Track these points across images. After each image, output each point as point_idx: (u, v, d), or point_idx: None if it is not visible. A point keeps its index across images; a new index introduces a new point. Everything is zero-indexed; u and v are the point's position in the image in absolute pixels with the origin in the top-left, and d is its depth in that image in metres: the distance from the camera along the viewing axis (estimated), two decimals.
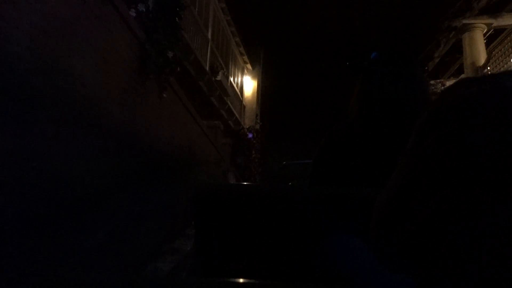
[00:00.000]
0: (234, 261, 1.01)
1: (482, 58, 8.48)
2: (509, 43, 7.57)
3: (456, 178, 0.44)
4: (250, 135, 13.79)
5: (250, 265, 1.00)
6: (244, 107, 14.55)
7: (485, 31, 8.98)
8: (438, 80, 8.14)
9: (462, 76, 8.02)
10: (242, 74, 14.47)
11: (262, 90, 15.96)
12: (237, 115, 13.18)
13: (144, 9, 3.63)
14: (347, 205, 0.95)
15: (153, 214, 3.56)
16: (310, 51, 16.74)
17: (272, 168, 14.25)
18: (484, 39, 8.81)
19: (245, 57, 14.19)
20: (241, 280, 0.54)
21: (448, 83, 8.09)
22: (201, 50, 9.38)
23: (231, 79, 12.58)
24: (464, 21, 8.70)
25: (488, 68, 7.82)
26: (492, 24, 8.80)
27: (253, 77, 15.15)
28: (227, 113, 12.39)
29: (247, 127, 13.92)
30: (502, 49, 7.66)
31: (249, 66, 14.82)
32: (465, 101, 0.47)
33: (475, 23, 8.78)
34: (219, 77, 10.29)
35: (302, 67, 17.50)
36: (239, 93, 13.74)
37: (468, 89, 0.48)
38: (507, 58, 7.53)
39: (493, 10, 8.55)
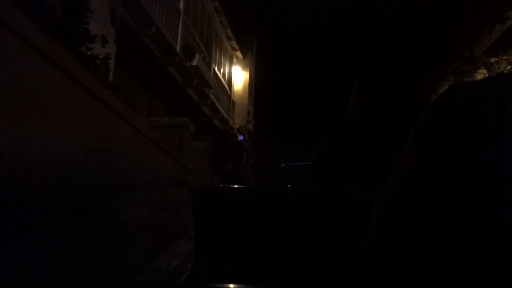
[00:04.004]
0: (234, 264, 0.99)
1: None
2: None
3: (454, 179, 0.46)
4: (240, 137, 11.35)
5: (250, 268, 0.98)
6: (234, 103, 12.10)
7: None
8: (503, 57, 5.71)
9: None
10: (231, 63, 12.00)
11: (255, 84, 13.51)
12: (223, 113, 10.75)
13: None
14: (347, 206, 0.95)
15: None
16: (311, 39, 14.31)
17: (268, 175, 12.05)
18: None
19: (234, 43, 11.73)
20: (240, 285, 0.56)
21: None
22: (168, 23, 6.94)
23: (215, 67, 10.13)
24: None
25: None
26: None
27: (244, 68, 12.69)
28: (210, 110, 9.98)
29: (237, 127, 11.44)
30: None
31: (239, 54, 12.36)
32: (462, 104, 0.48)
33: None
34: (195, 62, 7.87)
35: (302, 57, 15.04)
36: (226, 86, 11.28)
37: (465, 92, 0.49)
38: None
39: None
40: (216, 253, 1.01)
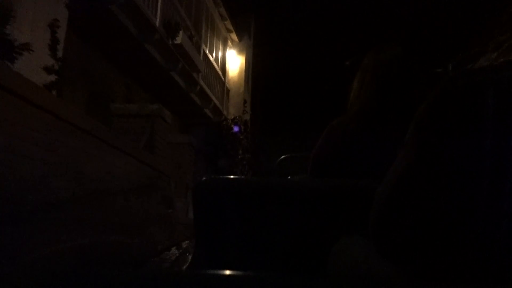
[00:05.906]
0: (234, 255, 1.00)
1: None
2: None
3: (454, 169, 0.44)
4: (236, 129, 10.20)
5: (251, 258, 0.98)
6: (228, 91, 10.90)
7: None
8: None
9: None
10: (225, 46, 10.77)
11: (252, 70, 12.29)
12: (216, 101, 9.57)
13: None
14: (347, 198, 0.97)
15: None
16: (314, 20, 13.07)
17: (267, 171, 10.97)
18: None
19: (228, 23, 10.48)
20: (241, 273, 0.51)
21: None
22: None
23: (206, 49, 8.91)
24: None
25: None
26: None
27: (240, 52, 11.45)
28: (200, 98, 8.77)
29: (232, 117, 10.27)
30: None
31: (234, 36, 11.11)
32: (463, 92, 0.47)
33: None
34: (179, 40, 6.66)
35: (304, 41, 13.82)
36: (219, 72, 10.07)
37: (466, 80, 0.48)
38: None
39: None
40: (216, 244, 1.02)
